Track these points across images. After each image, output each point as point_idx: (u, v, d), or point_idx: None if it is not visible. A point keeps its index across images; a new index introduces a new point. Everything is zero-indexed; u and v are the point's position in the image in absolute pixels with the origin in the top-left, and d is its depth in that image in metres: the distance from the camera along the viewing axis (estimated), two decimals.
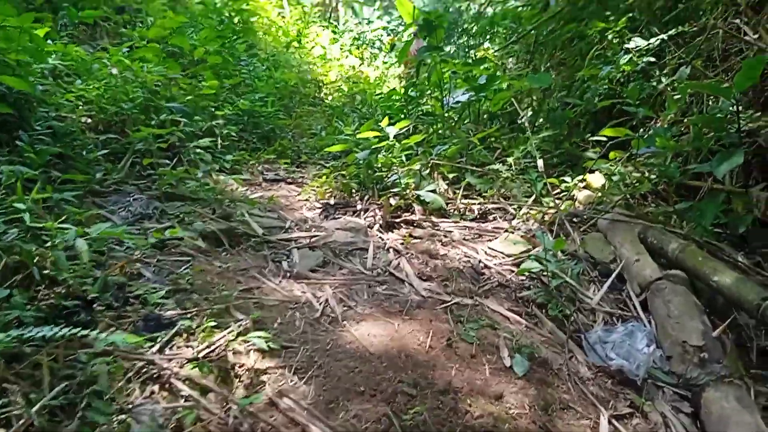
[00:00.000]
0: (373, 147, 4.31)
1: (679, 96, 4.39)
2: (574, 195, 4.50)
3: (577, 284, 3.25)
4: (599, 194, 4.29)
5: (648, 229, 3.62)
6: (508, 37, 8.54)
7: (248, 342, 2.33)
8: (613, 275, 3.33)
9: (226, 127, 5.11)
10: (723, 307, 3.14)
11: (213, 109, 5.20)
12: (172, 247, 3.08)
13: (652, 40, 5.15)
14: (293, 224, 3.83)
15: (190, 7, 8.43)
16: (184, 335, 2.37)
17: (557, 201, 4.45)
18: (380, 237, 3.75)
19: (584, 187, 4.59)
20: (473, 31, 13.13)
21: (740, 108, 3.90)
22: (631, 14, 5.59)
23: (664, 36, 5.13)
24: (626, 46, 5.26)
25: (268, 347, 2.32)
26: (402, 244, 3.65)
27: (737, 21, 4.39)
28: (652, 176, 4.24)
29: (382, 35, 18.33)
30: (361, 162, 4.45)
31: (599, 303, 3.17)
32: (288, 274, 3.13)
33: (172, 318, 2.47)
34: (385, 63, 13.40)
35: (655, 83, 4.98)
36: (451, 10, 16.65)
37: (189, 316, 2.50)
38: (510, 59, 8.80)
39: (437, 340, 2.61)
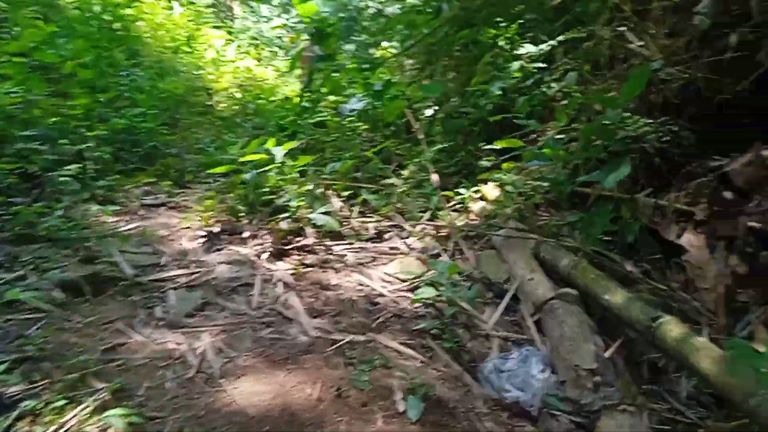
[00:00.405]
0: (260, 170, 4.03)
1: (566, 103, 4.42)
2: (469, 207, 4.44)
3: (472, 308, 3.16)
4: (494, 207, 4.25)
5: (541, 245, 3.60)
6: (406, 39, 8.46)
7: (105, 420, 2.04)
8: (507, 296, 3.27)
9: (100, 149, 4.66)
10: (615, 322, 3.15)
11: (84, 130, 4.73)
12: (23, 302, 2.71)
13: (542, 46, 5.20)
14: (171, 260, 3.51)
15: (65, 12, 7.73)
16: (29, 417, 2.05)
17: (453, 213, 4.38)
18: (269, 268, 3.51)
19: (479, 198, 4.55)
20: (372, 29, 12.98)
21: (628, 115, 3.97)
22: (521, 21, 5.62)
23: (553, 42, 5.18)
24: (517, 52, 5.28)
25: (128, 424, 2.04)
26: (293, 274, 3.43)
27: (623, 28, 4.47)
28: (545, 184, 4.24)
29: (282, 34, 17.84)
30: (248, 183, 4.17)
31: (494, 327, 3.09)
32: (161, 323, 2.84)
33: (14, 396, 2.13)
34: (285, 61, 13.02)
35: (545, 89, 5.02)
36: (350, 7, 16.41)
37: (37, 391, 2.17)
38: (408, 60, 8.73)
39: (326, 390, 2.42)
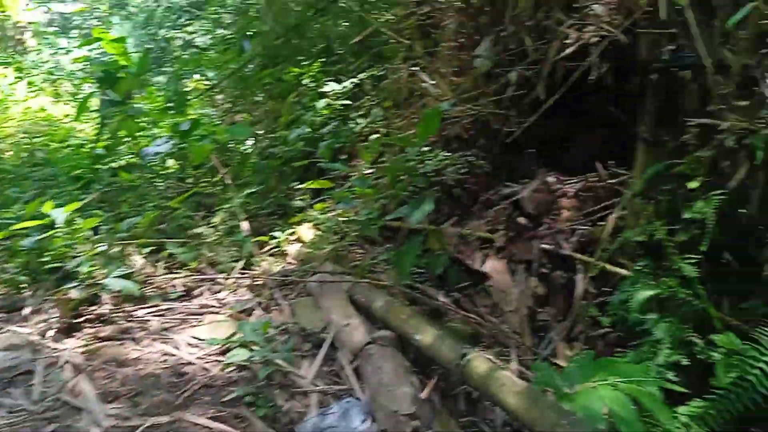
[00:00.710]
0: (44, 234, 3.54)
1: (370, 141, 4.51)
2: (285, 251, 4.32)
3: (289, 365, 3.02)
4: (310, 249, 4.17)
5: (355, 287, 3.57)
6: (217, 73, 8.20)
7: None
8: (324, 347, 3.18)
9: None
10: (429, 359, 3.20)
11: None
12: None
13: (345, 83, 5.28)
14: None
15: None
16: None
17: (269, 259, 4.24)
18: (55, 348, 3.08)
19: (296, 240, 4.45)
20: (183, 60, 12.44)
21: (428, 149, 4.13)
22: (324, 59, 5.68)
23: (355, 79, 5.30)
24: (321, 90, 5.31)
25: None
26: (84, 353, 3.04)
27: (417, 68, 4.67)
28: (357, 222, 4.26)
29: (84, 67, 16.41)
30: (30, 249, 3.67)
31: (313, 382, 2.98)
32: None
33: None
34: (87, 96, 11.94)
35: (352, 125, 5.11)
36: (157, 37, 15.62)
37: None
38: (219, 95, 8.48)
39: None
